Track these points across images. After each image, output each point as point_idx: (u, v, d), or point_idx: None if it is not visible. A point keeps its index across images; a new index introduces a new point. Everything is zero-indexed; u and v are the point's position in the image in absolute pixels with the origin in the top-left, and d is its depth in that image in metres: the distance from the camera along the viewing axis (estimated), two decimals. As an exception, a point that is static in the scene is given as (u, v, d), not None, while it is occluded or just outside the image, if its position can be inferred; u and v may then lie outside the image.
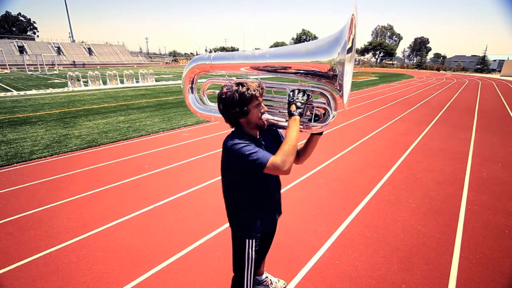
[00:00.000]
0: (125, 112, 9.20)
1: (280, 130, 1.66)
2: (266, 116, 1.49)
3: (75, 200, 3.56)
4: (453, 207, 3.47)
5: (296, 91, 1.42)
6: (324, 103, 1.46)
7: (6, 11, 65.77)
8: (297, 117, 1.37)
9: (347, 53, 1.31)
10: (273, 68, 1.49)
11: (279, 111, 1.58)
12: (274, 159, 1.28)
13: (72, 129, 6.99)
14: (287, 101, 1.46)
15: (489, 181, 4.24)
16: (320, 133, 1.53)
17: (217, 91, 1.86)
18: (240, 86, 1.36)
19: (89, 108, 9.75)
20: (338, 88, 1.33)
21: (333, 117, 1.45)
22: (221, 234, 2.89)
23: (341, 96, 1.35)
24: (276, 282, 2.20)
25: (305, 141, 1.61)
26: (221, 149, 1.45)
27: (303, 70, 1.40)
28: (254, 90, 1.37)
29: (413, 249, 2.68)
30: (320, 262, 2.51)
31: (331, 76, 1.32)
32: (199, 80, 1.87)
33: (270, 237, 1.82)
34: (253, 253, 1.61)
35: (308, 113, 1.49)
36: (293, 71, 1.44)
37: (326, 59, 1.31)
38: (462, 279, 2.33)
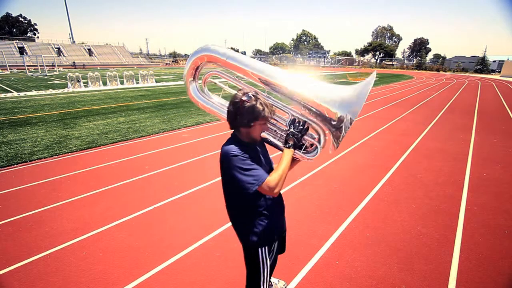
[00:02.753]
0: (125, 113, 9.21)
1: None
2: (264, 135, 1.59)
3: (75, 201, 3.57)
4: (453, 207, 3.48)
5: (297, 123, 1.53)
6: (315, 138, 1.57)
7: (7, 12, 65.90)
8: (292, 150, 1.51)
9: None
10: (284, 92, 1.52)
11: (275, 130, 1.63)
12: (269, 181, 1.37)
13: (72, 130, 7.00)
14: (286, 124, 1.58)
15: (489, 181, 4.25)
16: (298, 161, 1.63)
17: (216, 80, 1.86)
18: (258, 103, 1.40)
19: (89, 109, 9.77)
20: (337, 138, 1.43)
21: (319, 151, 1.57)
22: (221, 235, 2.89)
23: (337, 144, 1.46)
24: (276, 283, 2.20)
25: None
26: (220, 156, 1.47)
27: (314, 109, 1.47)
28: (268, 113, 1.43)
29: (413, 249, 2.68)
30: (320, 262, 2.51)
31: (337, 127, 1.42)
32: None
33: (282, 240, 1.83)
34: (267, 260, 1.60)
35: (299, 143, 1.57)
36: (303, 104, 1.49)
37: (340, 112, 1.40)
38: (461, 279, 2.33)
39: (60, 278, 2.31)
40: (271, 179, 1.37)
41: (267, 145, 1.68)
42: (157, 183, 4.09)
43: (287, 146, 1.51)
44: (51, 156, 5.14)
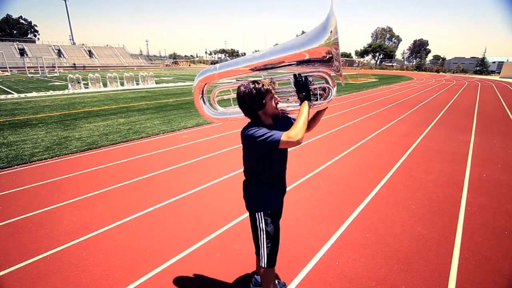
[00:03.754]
0: (125, 114, 9.22)
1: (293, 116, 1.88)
2: (280, 105, 1.70)
3: (75, 202, 3.57)
4: (453, 208, 3.48)
5: (298, 80, 1.64)
6: (323, 83, 1.68)
7: (7, 14, 66.06)
8: (306, 102, 1.63)
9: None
10: (277, 65, 1.65)
11: (288, 99, 1.80)
12: (287, 133, 1.51)
13: (73, 131, 7.01)
14: (292, 89, 1.73)
15: (489, 182, 4.25)
16: (324, 109, 1.76)
17: (225, 96, 2.06)
18: (256, 84, 1.59)
19: (90, 111, 9.78)
20: (336, 68, 1.51)
21: (335, 92, 1.67)
22: (221, 236, 2.89)
23: (340, 74, 1.52)
24: (276, 284, 2.20)
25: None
26: (241, 139, 1.68)
27: (302, 60, 1.57)
28: (268, 85, 1.60)
29: (413, 250, 2.69)
30: (320, 263, 2.51)
31: (328, 59, 1.49)
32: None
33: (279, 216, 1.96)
34: (264, 225, 1.77)
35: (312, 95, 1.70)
36: (294, 63, 1.61)
37: (320, 44, 1.47)
38: (461, 280, 2.33)
39: (61, 279, 2.32)
40: (289, 131, 1.50)
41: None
42: (157, 184, 4.10)
43: (300, 101, 1.65)
44: (52, 158, 5.15)
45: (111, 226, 3.05)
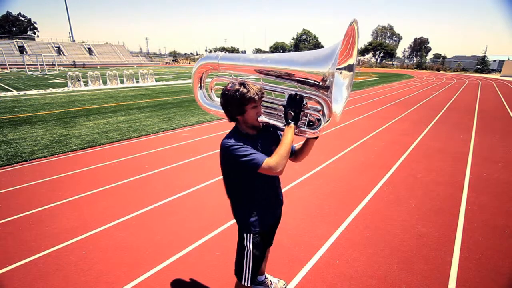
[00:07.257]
0: (125, 112, 9.20)
1: (280, 132, 1.69)
2: (262, 118, 1.53)
3: (75, 200, 3.56)
4: (453, 207, 3.48)
5: (293, 98, 1.48)
6: (319, 111, 1.50)
7: (7, 11, 65.83)
8: (293, 125, 1.47)
9: (348, 71, 1.43)
10: (273, 73, 1.54)
11: (277, 114, 1.62)
12: (268, 161, 1.38)
13: (72, 129, 6.99)
14: (281, 103, 1.57)
15: (489, 181, 4.25)
16: (315, 137, 1.57)
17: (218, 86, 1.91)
18: (242, 87, 1.43)
19: (89, 108, 9.76)
20: (329, 97, 1.37)
21: (326, 122, 1.48)
22: (221, 234, 2.89)
23: (330, 107, 1.41)
24: (276, 283, 2.20)
25: (302, 142, 1.67)
26: (219, 149, 1.53)
27: (300, 78, 1.45)
28: (254, 94, 1.43)
29: (413, 249, 2.68)
30: (320, 262, 2.51)
31: (324, 87, 1.36)
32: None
33: (271, 233, 1.86)
34: (251, 247, 1.64)
35: (303, 118, 1.54)
36: (291, 78, 1.49)
37: (320, 70, 1.35)
38: (461, 279, 2.33)
39: (60, 277, 2.31)
40: (271, 159, 1.38)
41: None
42: (157, 183, 4.09)
43: (286, 123, 1.48)
44: (51, 155, 5.14)
45: (111, 224, 3.04)
